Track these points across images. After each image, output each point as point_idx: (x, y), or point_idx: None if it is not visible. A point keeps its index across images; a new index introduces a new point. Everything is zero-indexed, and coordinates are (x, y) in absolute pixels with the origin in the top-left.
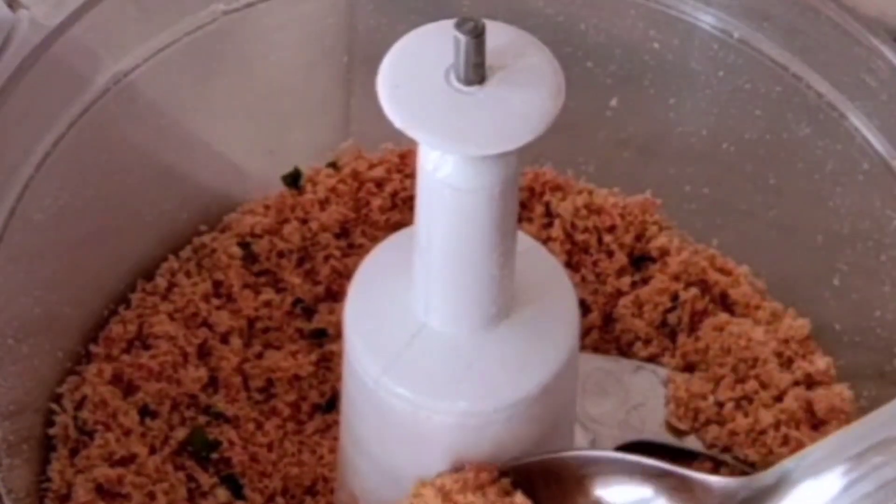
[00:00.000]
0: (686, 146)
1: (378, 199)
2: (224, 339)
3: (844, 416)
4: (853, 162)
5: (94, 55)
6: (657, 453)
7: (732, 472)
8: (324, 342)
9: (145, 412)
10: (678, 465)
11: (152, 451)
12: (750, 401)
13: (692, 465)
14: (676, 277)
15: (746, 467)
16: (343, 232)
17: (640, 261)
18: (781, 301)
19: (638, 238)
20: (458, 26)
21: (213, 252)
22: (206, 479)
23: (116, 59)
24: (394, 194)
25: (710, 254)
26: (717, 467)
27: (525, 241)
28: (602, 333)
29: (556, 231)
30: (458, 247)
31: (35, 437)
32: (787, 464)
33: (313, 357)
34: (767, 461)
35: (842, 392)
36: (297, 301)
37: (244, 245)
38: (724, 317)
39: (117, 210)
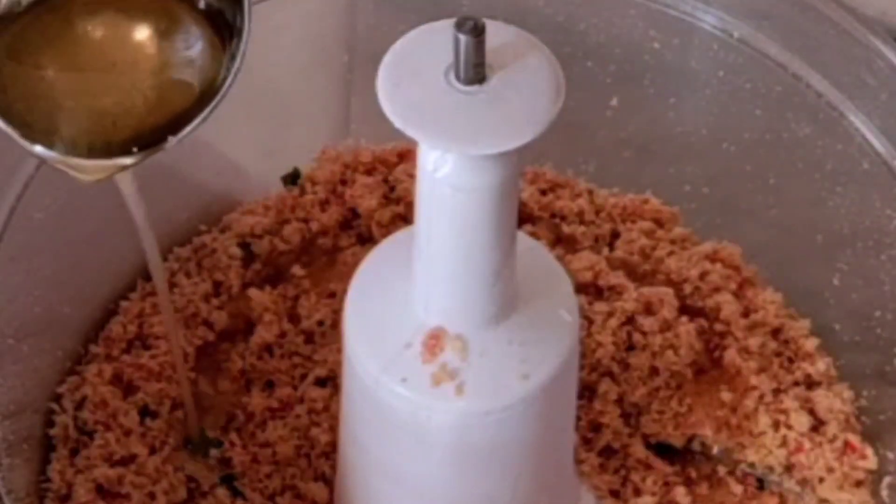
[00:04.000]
0: (686, 146)
1: (377, 199)
2: (224, 339)
3: (844, 416)
4: (853, 162)
5: None
6: (659, 452)
7: (732, 473)
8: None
9: (145, 412)
10: (679, 466)
11: (152, 451)
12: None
13: (692, 465)
14: None
15: (746, 467)
16: (343, 232)
17: None
18: (782, 301)
19: None
20: (458, 26)
21: (213, 252)
22: (206, 479)
23: None
24: (393, 194)
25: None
26: (716, 467)
27: (525, 241)
28: None
29: (557, 230)
30: (458, 246)
31: (35, 437)
32: None
33: (315, 357)
34: (767, 461)
35: (842, 392)
36: (297, 301)
37: (244, 245)
38: None
39: (117, 210)
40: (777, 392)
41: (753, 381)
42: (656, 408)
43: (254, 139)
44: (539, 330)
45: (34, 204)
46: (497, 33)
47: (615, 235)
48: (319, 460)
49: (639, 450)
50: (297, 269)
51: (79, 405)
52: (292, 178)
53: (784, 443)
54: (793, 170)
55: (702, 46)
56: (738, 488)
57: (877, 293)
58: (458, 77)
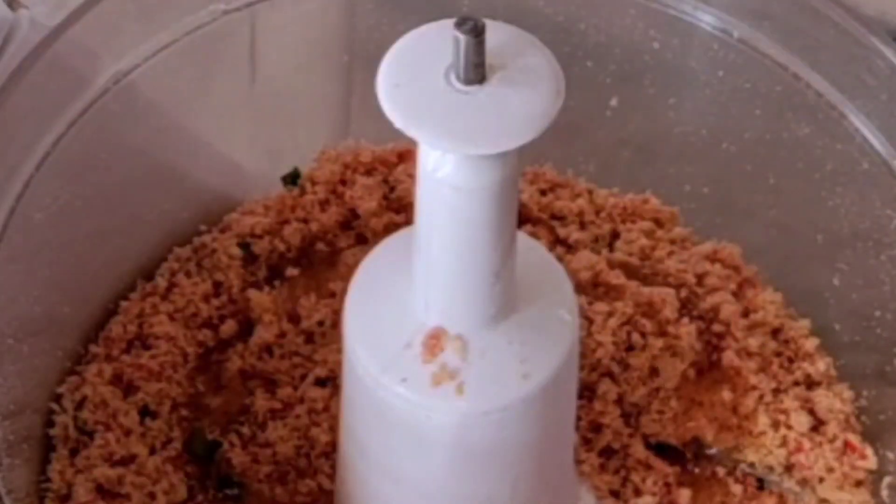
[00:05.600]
0: (686, 146)
1: (377, 199)
2: (224, 339)
3: (844, 416)
4: (853, 162)
5: (94, 55)
6: (659, 452)
7: (732, 473)
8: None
9: (145, 412)
10: (679, 466)
11: (152, 451)
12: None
13: (692, 465)
14: None
15: (746, 467)
16: (343, 232)
17: None
18: (782, 301)
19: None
20: (458, 26)
21: (213, 252)
22: (206, 480)
23: (116, 59)
24: (393, 194)
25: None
26: (716, 467)
27: (525, 241)
28: None
29: (557, 231)
30: (458, 246)
31: (35, 437)
32: None
33: (315, 358)
34: (767, 461)
35: (842, 392)
36: (297, 301)
37: (244, 245)
38: None
39: (117, 210)
40: (777, 392)
41: (753, 381)
42: (656, 408)
43: (254, 139)
44: (539, 330)
45: (34, 204)
46: (497, 33)
47: (615, 235)
48: (319, 460)
49: (639, 450)
50: (296, 270)
51: (79, 405)
52: (292, 178)
53: (784, 443)
54: (793, 170)
55: (702, 46)
56: (737, 488)
57: (877, 293)
58: (458, 77)
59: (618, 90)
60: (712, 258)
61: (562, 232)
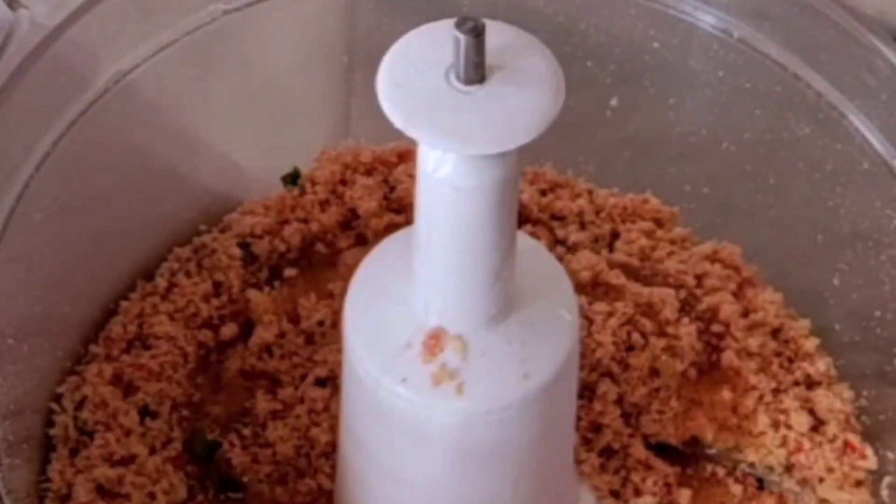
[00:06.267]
0: (686, 146)
1: (377, 199)
2: (224, 339)
3: (844, 416)
4: (853, 162)
5: (94, 55)
6: (659, 452)
7: (732, 473)
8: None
9: (145, 412)
10: (679, 466)
11: (152, 451)
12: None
13: (692, 465)
14: None
15: (746, 467)
16: (343, 232)
17: None
18: (782, 301)
19: None
20: (458, 26)
21: (213, 252)
22: (206, 480)
23: (116, 59)
24: (393, 194)
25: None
26: (716, 467)
27: (525, 241)
28: None
29: (557, 231)
30: (458, 246)
31: (35, 437)
32: None
33: (315, 358)
34: (767, 461)
35: (842, 392)
36: (297, 301)
37: (244, 245)
38: None
39: (117, 210)
40: (777, 392)
41: (753, 381)
42: (656, 408)
43: (254, 139)
44: (539, 330)
45: (34, 204)
46: (497, 33)
47: (615, 235)
48: (319, 460)
49: (639, 450)
50: (296, 270)
51: (79, 405)
52: (292, 178)
53: (784, 443)
54: (793, 170)
55: (702, 46)
56: (737, 488)
57: (877, 293)
58: (458, 77)
59: (618, 90)
60: (712, 258)
61: (562, 232)
